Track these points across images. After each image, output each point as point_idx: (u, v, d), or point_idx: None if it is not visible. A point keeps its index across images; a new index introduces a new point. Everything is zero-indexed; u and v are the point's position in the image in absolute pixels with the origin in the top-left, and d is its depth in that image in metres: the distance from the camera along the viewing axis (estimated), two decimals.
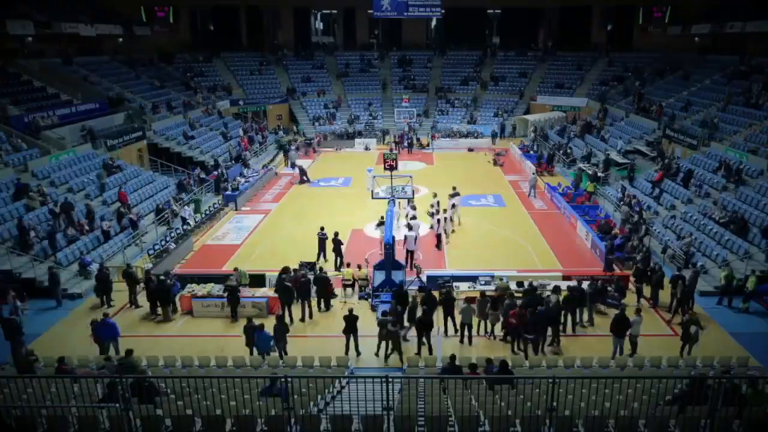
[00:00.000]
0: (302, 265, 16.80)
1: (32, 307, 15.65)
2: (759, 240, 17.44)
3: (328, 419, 8.34)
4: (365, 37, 51.30)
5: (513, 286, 15.65)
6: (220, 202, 25.44)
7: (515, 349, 13.48)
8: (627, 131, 32.01)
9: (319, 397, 9.81)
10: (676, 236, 19.47)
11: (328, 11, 50.58)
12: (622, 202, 23.05)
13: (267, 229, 23.10)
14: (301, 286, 15.31)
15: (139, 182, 24.87)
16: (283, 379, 8.31)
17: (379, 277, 16.43)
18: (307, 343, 13.97)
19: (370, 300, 15.93)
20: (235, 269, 16.62)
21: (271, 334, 12.88)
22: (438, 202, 21.99)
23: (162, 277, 15.58)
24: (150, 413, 8.19)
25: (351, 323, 13.33)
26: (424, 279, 16.64)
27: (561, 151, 32.82)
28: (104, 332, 13.13)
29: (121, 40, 39.56)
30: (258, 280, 16.68)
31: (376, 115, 43.68)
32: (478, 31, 51.04)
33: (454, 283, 15.94)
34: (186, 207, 23.33)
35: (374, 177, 21.86)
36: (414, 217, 19.96)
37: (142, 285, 16.26)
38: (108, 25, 36.37)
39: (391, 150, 30.36)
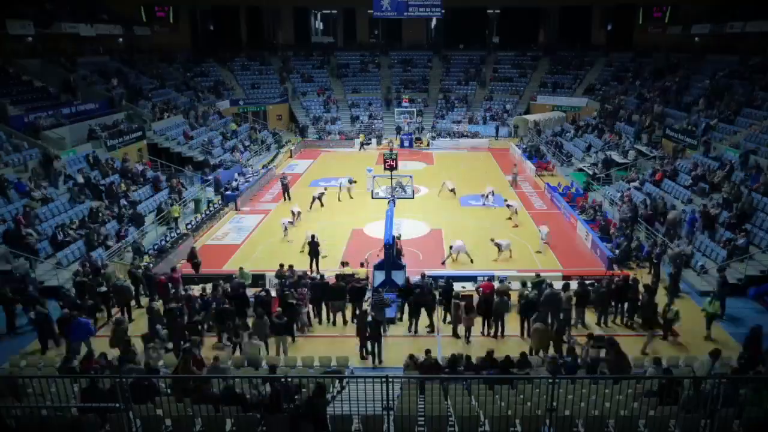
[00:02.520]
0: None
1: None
2: (759, 239, 17.47)
3: (328, 419, 8.34)
4: (365, 37, 51.30)
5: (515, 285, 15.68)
6: (220, 202, 25.45)
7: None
8: (627, 131, 31.96)
9: None
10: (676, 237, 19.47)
11: (328, 11, 50.56)
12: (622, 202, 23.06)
13: (267, 229, 23.10)
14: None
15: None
16: (283, 379, 8.32)
17: (379, 277, 16.43)
18: (308, 343, 13.97)
19: (369, 300, 15.90)
20: (240, 269, 16.67)
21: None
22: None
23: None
24: (150, 413, 8.19)
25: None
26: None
27: (559, 151, 32.84)
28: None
29: (121, 40, 39.55)
30: (258, 280, 16.68)
31: (376, 115, 43.72)
32: (478, 31, 51.05)
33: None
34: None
35: (374, 177, 21.86)
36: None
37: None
38: (108, 25, 36.32)
39: (390, 150, 30.33)
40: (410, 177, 21.26)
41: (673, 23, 41.73)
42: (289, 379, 8.73)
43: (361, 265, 16.83)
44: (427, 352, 11.00)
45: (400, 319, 14.97)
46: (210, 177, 28.25)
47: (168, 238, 20.41)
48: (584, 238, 20.96)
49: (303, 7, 49.51)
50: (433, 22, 50.66)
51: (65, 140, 24.81)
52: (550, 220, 23.53)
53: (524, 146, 35.72)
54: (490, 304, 14.02)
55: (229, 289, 14.64)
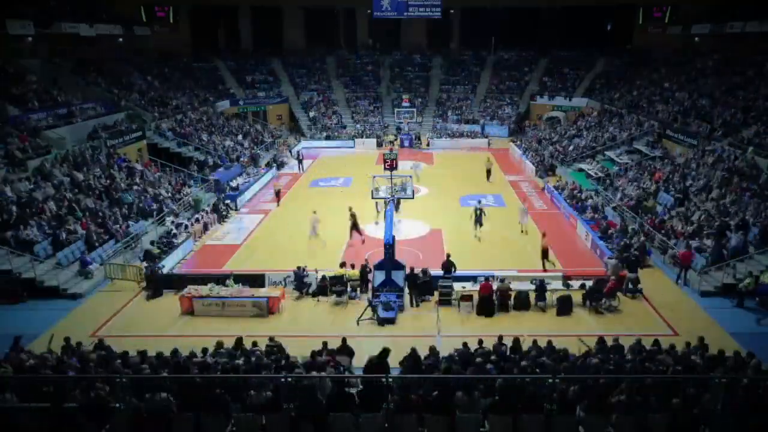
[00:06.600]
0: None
1: (32, 306, 15.67)
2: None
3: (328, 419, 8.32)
4: (365, 37, 51.31)
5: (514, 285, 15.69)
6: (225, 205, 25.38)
7: None
8: (627, 131, 31.96)
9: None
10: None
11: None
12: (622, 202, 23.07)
13: (267, 229, 23.09)
14: None
15: None
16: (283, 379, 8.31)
17: (380, 276, 16.42)
18: (307, 342, 13.94)
19: (370, 300, 15.90)
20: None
21: None
22: None
23: None
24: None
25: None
26: None
27: (557, 149, 32.84)
28: None
29: (121, 40, 39.55)
30: (258, 280, 16.71)
31: (375, 115, 43.72)
32: (478, 31, 50.96)
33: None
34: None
35: (374, 177, 21.83)
36: None
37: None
38: (108, 25, 36.33)
39: (390, 150, 30.33)
40: (410, 177, 21.26)
41: (673, 23, 41.73)
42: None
43: (346, 265, 16.93)
44: (413, 349, 10.74)
45: None
46: (212, 177, 28.25)
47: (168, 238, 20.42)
48: (584, 238, 20.97)
49: (303, 7, 49.45)
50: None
51: (65, 140, 24.83)
52: (551, 220, 23.55)
53: (524, 146, 35.76)
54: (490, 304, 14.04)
55: None
